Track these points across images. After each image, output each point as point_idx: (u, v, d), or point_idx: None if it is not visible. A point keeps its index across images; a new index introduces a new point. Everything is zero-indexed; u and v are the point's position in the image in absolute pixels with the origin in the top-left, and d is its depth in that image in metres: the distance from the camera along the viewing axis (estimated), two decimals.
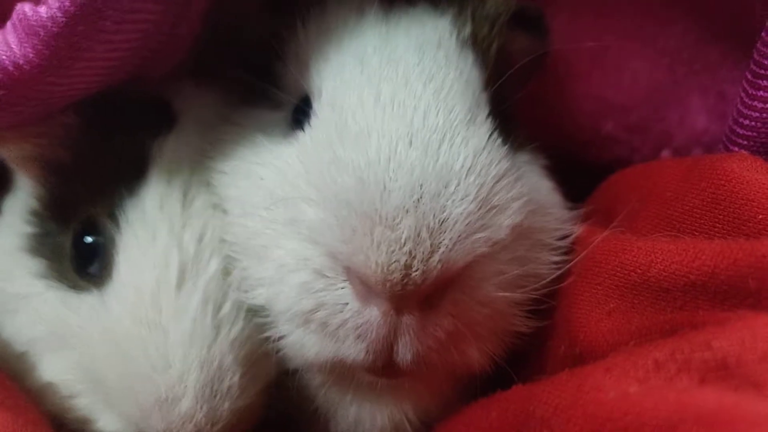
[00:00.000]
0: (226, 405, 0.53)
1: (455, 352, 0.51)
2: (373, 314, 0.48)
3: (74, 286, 0.57)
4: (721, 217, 0.51)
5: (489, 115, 0.54)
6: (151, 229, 0.55)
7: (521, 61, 0.62)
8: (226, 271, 0.56)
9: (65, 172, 0.60)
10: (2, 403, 0.49)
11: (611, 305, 0.51)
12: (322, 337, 0.51)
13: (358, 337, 0.49)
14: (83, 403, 0.56)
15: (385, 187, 0.47)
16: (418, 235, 0.46)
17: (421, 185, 0.47)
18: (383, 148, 0.48)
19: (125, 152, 0.58)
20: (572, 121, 0.74)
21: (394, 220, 0.46)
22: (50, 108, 0.56)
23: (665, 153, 0.74)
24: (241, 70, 0.66)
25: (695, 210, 0.53)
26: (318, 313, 0.50)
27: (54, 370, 0.56)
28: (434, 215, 0.47)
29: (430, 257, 0.46)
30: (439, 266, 0.46)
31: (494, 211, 0.50)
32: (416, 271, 0.46)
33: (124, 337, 0.52)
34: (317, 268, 0.50)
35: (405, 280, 0.46)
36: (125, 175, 0.57)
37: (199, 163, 0.59)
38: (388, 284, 0.46)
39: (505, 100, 0.58)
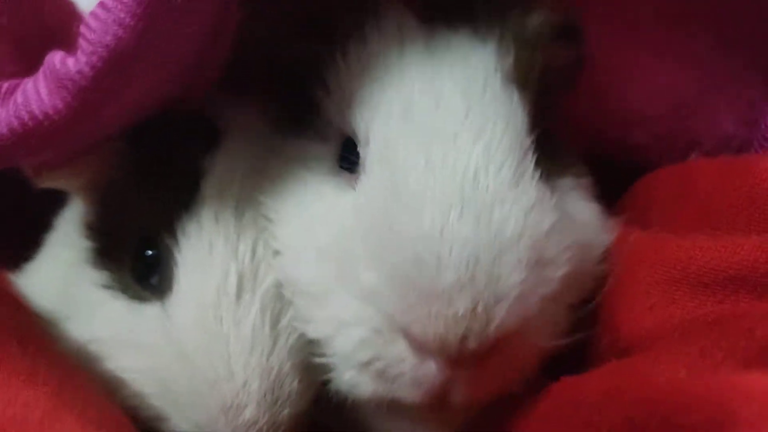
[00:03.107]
0: (286, 411, 0.55)
1: (503, 389, 0.53)
2: (430, 368, 0.49)
3: (137, 297, 0.59)
4: (758, 214, 0.53)
5: (535, 158, 0.54)
6: (208, 241, 0.57)
7: (558, 75, 0.62)
8: (278, 284, 0.58)
9: (119, 192, 0.63)
10: (77, 394, 0.51)
11: (652, 301, 0.52)
12: (378, 380, 0.52)
13: (414, 384, 0.50)
14: (153, 403, 0.58)
15: (440, 261, 0.47)
16: (474, 309, 0.47)
17: (476, 258, 0.47)
18: (436, 219, 0.48)
19: (177, 168, 0.60)
20: (599, 130, 0.75)
21: (450, 297, 0.47)
22: (84, 146, 0.58)
23: (693, 156, 0.76)
24: (279, 93, 0.68)
25: (732, 209, 0.54)
26: (376, 363, 0.51)
27: (124, 371, 0.59)
28: (489, 288, 0.47)
29: (485, 329, 0.47)
30: (494, 334, 0.48)
31: (546, 267, 0.51)
32: (472, 342, 0.47)
33: (187, 346, 0.55)
34: (375, 327, 0.50)
35: (461, 349, 0.48)
36: (179, 190, 0.59)
37: (246, 177, 0.61)
38: (445, 352, 0.48)
39: (547, 121, 0.58)
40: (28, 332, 0.58)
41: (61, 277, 0.66)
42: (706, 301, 0.49)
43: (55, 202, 0.73)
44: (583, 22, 0.67)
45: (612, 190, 0.67)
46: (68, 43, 0.51)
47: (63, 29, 0.63)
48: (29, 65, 0.59)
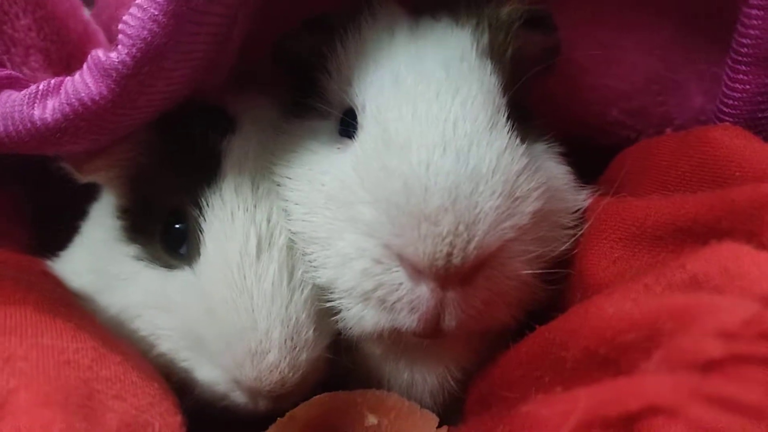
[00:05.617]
0: (304, 355, 0.62)
1: (489, 317, 0.60)
2: (423, 291, 0.57)
3: (168, 266, 0.67)
4: (707, 177, 0.59)
5: (508, 117, 0.61)
6: (230, 211, 0.65)
7: (534, 58, 0.70)
8: (291, 245, 0.65)
9: (148, 176, 0.70)
10: (117, 348, 0.58)
11: (615, 255, 0.59)
12: (380, 310, 0.60)
13: (411, 309, 0.58)
14: (185, 356, 0.66)
15: (427, 190, 0.55)
16: (457, 228, 0.54)
17: (457, 187, 0.55)
18: (423, 157, 0.56)
19: (199, 152, 0.68)
20: (580, 109, 0.81)
21: (436, 218, 0.54)
22: (119, 134, 0.65)
23: (668, 131, 0.80)
24: (286, 83, 0.76)
25: (686, 174, 0.61)
26: (377, 291, 0.59)
27: (159, 329, 0.66)
28: (469, 211, 0.55)
29: (467, 246, 0.55)
30: (475, 252, 0.55)
31: (518, 201, 0.58)
32: (456, 257, 0.55)
33: (216, 302, 0.62)
34: (375, 257, 0.58)
35: (447, 265, 0.55)
36: (202, 170, 0.67)
37: (259, 156, 0.69)
38: (434, 268, 0.55)
39: (522, 98, 0.66)
40: (71, 301, 0.67)
41: (95, 254, 0.74)
42: (659, 252, 0.56)
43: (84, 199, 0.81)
44: (556, 9, 0.73)
45: (591, 172, 0.73)
46: (83, 55, 0.59)
47: (80, 43, 0.71)
48: (56, 73, 0.67)
